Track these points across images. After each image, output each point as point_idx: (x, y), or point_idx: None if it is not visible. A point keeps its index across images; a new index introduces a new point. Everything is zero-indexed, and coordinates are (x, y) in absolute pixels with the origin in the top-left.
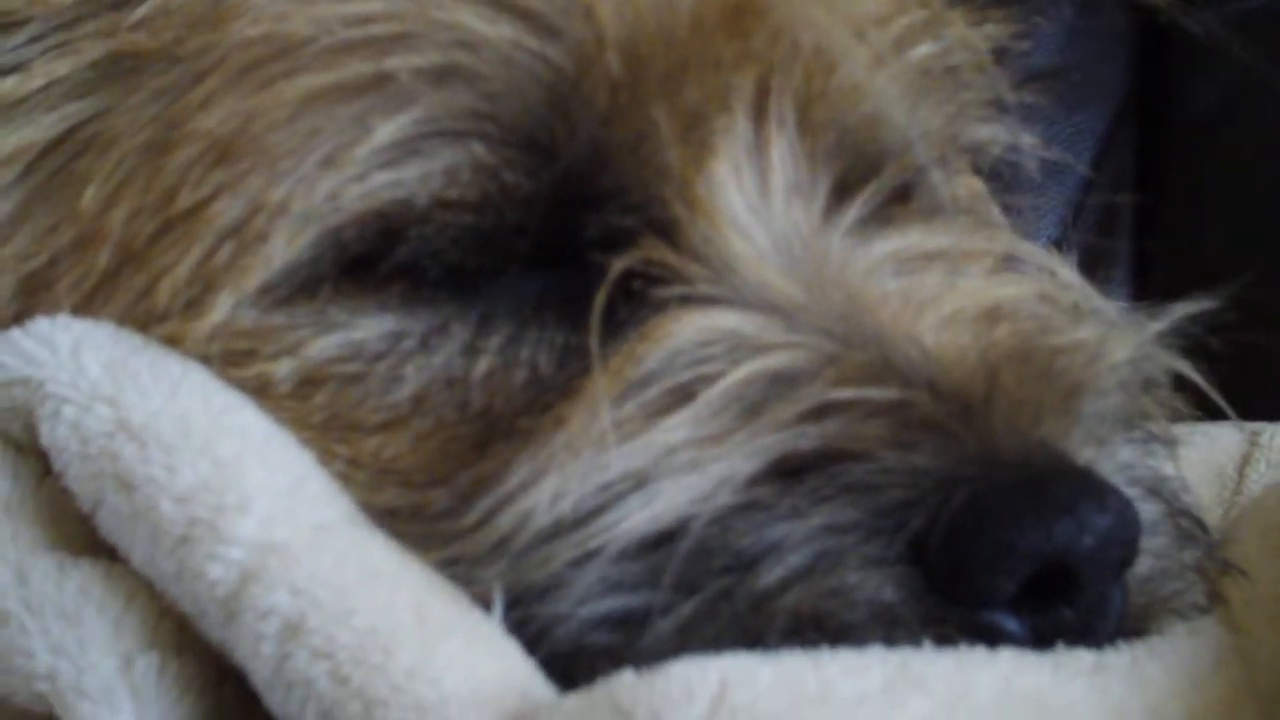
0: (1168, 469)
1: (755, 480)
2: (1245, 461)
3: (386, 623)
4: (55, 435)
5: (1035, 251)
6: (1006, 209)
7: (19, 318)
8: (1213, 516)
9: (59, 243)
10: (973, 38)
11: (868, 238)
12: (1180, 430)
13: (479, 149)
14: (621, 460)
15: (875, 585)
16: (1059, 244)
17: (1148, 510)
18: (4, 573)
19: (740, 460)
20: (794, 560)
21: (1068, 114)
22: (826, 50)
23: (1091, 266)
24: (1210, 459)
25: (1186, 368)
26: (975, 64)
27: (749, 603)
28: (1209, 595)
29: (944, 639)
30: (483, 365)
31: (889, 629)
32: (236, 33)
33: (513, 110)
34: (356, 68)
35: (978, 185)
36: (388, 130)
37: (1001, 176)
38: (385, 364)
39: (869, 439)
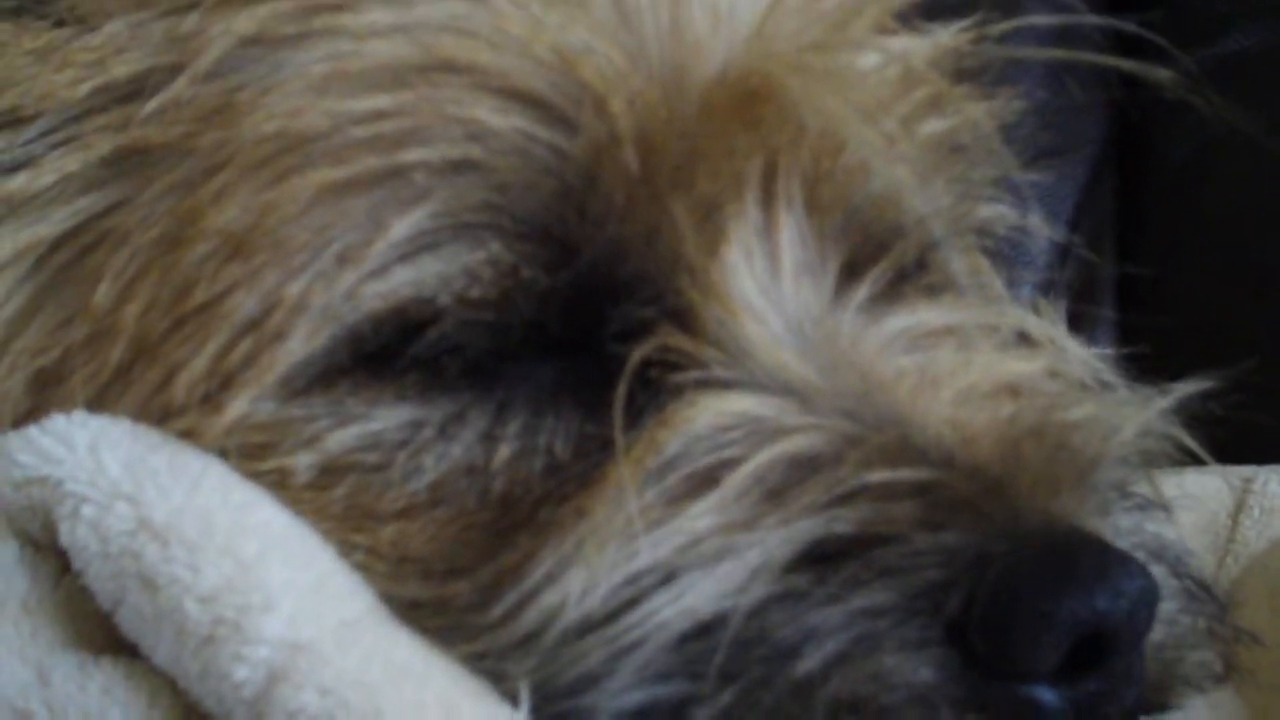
0: (1169, 533)
1: (790, 568)
2: (1239, 509)
3: None
4: (75, 535)
5: (1043, 325)
6: (1010, 285)
7: (32, 414)
8: (1206, 565)
9: (72, 338)
10: (978, 115)
11: (879, 315)
12: (1170, 477)
13: (496, 247)
14: (649, 551)
15: (913, 668)
16: (1045, 290)
17: (1156, 573)
18: (25, 673)
19: (774, 548)
20: (832, 646)
21: (1051, 163)
22: (833, 132)
23: (1077, 306)
24: (1203, 506)
25: (1191, 441)
26: (982, 142)
27: (789, 691)
28: (1224, 663)
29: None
30: (503, 452)
31: (929, 712)
32: (250, 128)
33: (527, 203)
34: (369, 162)
35: (982, 262)
36: (403, 226)
37: (1003, 254)
38: (404, 453)
39: (900, 521)
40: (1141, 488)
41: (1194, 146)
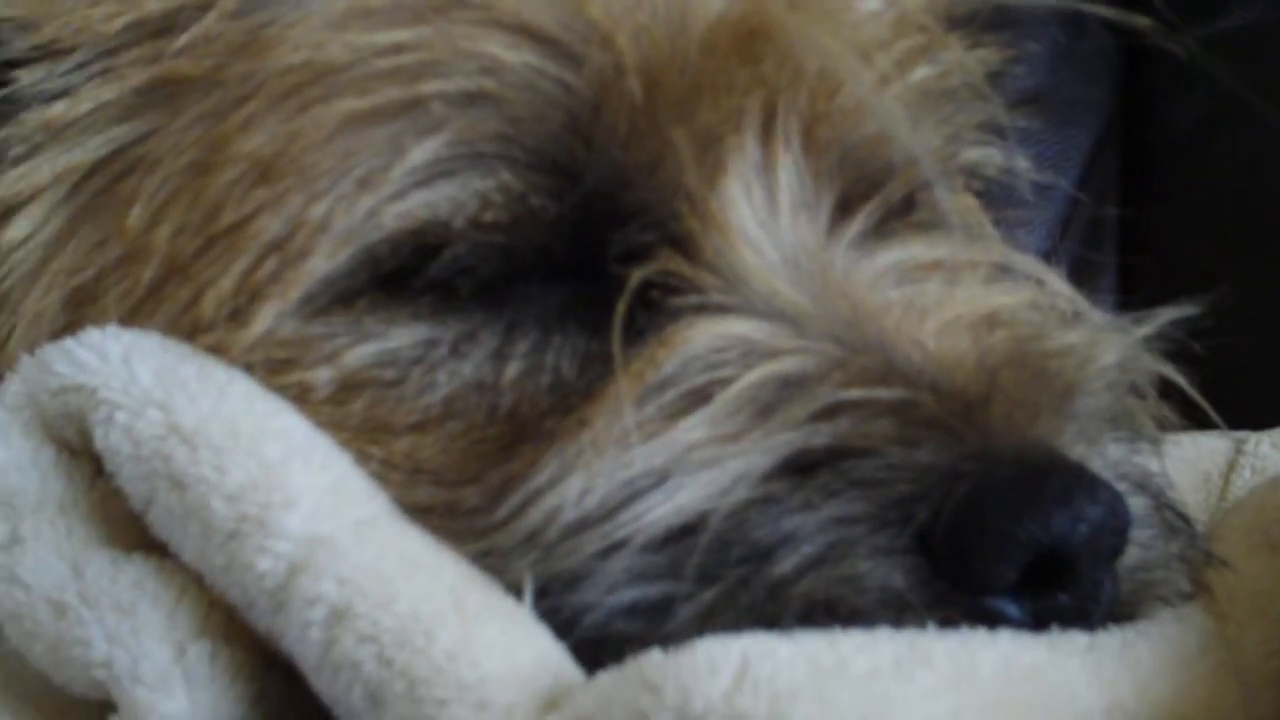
0: (1154, 465)
1: (770, 476)
2: (1230, 468)
3: (427, 609)
4: (109, 439)
5: (1027, 261)
6: (998, 224)
7: (69, 328)
8: (1200, 524)
9: (106, 258)
10: (968, 62)
11: (870, 250)
12: (1168, 438)
13: (507, 175)
14: (643, 458)
15: (884, 572)
16: (1048, 256)
17: (1135, 504)
18: (61, 568)
19: (756, 457)
20: (808, 550)
21: (1055, 133)
22: (831, 72)
23: (1079, 277)
24: (1196, 466)
25: (1171, 371)
26: (971, 87)
27: (765, 590)
28: (1194, 584)
29: (948, 623)
30: (511, 370)
31: (897, 613)
32: (276, 60)
33: (536, 134)
34: (389, 93)
35: (971, 201)
36: (421, 152)
37: (994, 195)
38: (419, 370)
39: (876, 437)
40: (1131, 419)
41: (1200, 113)
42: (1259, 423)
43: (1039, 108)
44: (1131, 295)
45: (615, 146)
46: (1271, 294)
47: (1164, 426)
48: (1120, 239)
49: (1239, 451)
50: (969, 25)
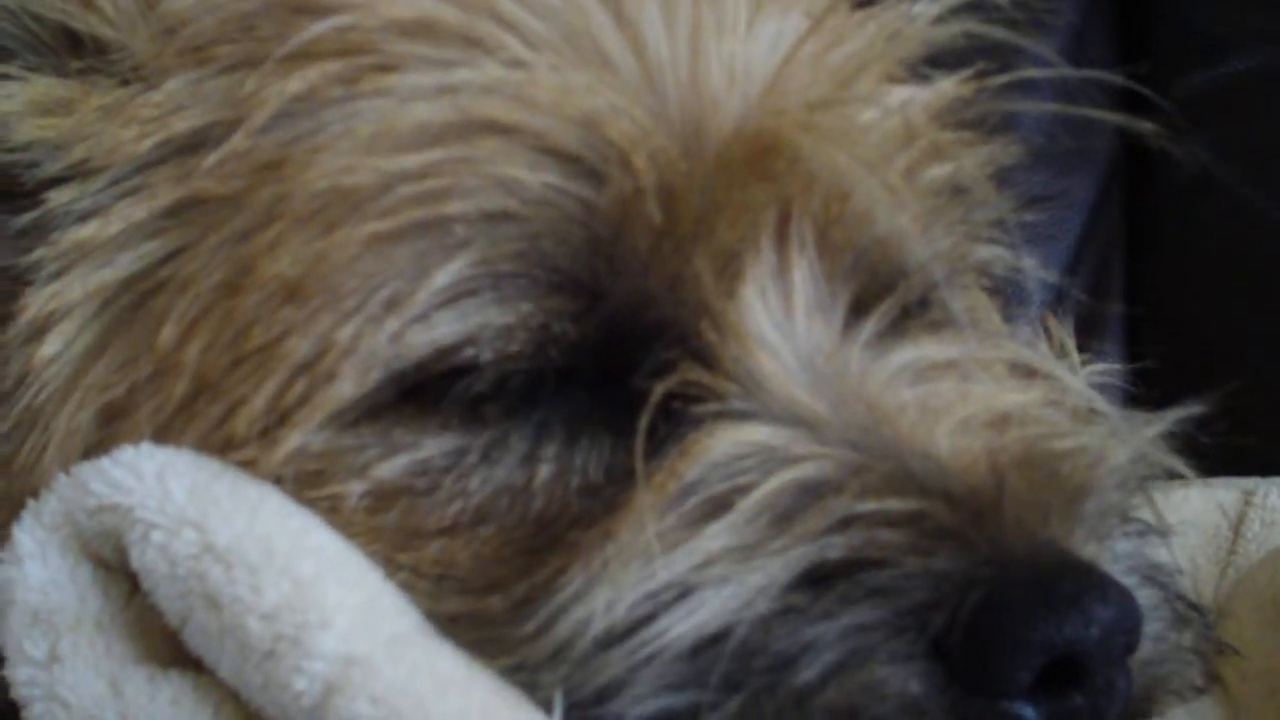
0: (1163, 556)
1: (790, 588)
2: (1240, 520)
3: None
4: (145, 558)
5: (1040, 358)
6: (1008, 319)
7: (101, 444)
8: (1210, 575)
9: (137, 374)
10: (976, 162)
11: (884, 350)
12: (1177, 488)
13: (528, 306)
14: (666, 570)
15: (902, 679)
16: (1054, 309)
17: (1145, 596)
18: (100, 685)
19: (776, 570)
20: (828, 658)
21: (1058, 183)
22: (842, 183)
23: (1084, 329)
24: (1206, 518)
25: (1182, 466)
26: (979, 187)
27: (789, 698)
28: (1206, 675)
29: None
30: (542, 473)
31: None
32: (303, 183)
33: (558, 252)
34: (413, 214)
35: (982, 298)
36: (444, 275)
37: (1002, 292)
38: (451, 477)
39: (891, 547)
40: (1142, 512)
41: (1204, 161)
42: (1262, 468)
43: (1042, 160)
44: (1137, 344)
45: (636, 268)
46: (1274, 340)
47: (1173, 476)
48: (1126, 288)
49: (1248, 503)
50: (976, 128)
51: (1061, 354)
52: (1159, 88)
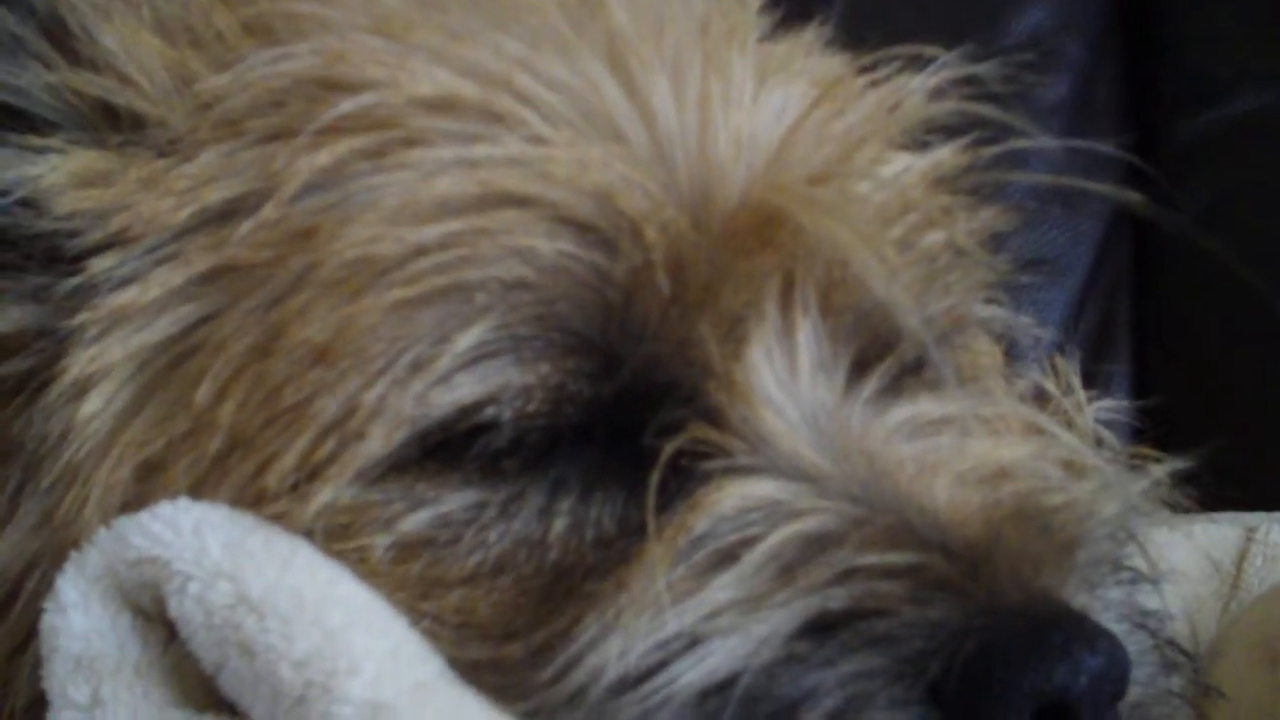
0: (1153, 603)
1: (793, 636)
2: (1242, 557)
3: None
4: (182, 608)
5: (1035, 415)
6: (1013, 363)
7: (139, 498)
8: (1212, 611)
9: (174, 431)
10: (972, 228)
11: (885, 407)
12: (1181, 523)
13: (546, 368)
14: (676, 620)
15: None
16: (1062, 346)
17: (1135, 642)
18: None
19: (780, 620)
20: (830, 703)
21: (1068, 219)
22: (840, 251)
23: (1094, 361)
24: (1208, 555)
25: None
26: (977, 249)
27: None
28: (1193, 717)
29: None
30: (557, 525)
31: None
32: (330, 253)
33: (573, 316)
34: (435, 282)
35: (985, 349)
36: (466, 338)
37: (1006, 339)
38: (471, 530)
39: (890, 598)
40: (1134, 561)
41: (1207, 202)
42: (1269, 503)
43: (1052, 196)
44: (1146, 382)
45: (647, 332)
46: None
47: (1178, 510)
48: (1133, 324)
49: (1250, 539)
50: (972, 195)
51: (1068, 392)
52: (1167, 127)
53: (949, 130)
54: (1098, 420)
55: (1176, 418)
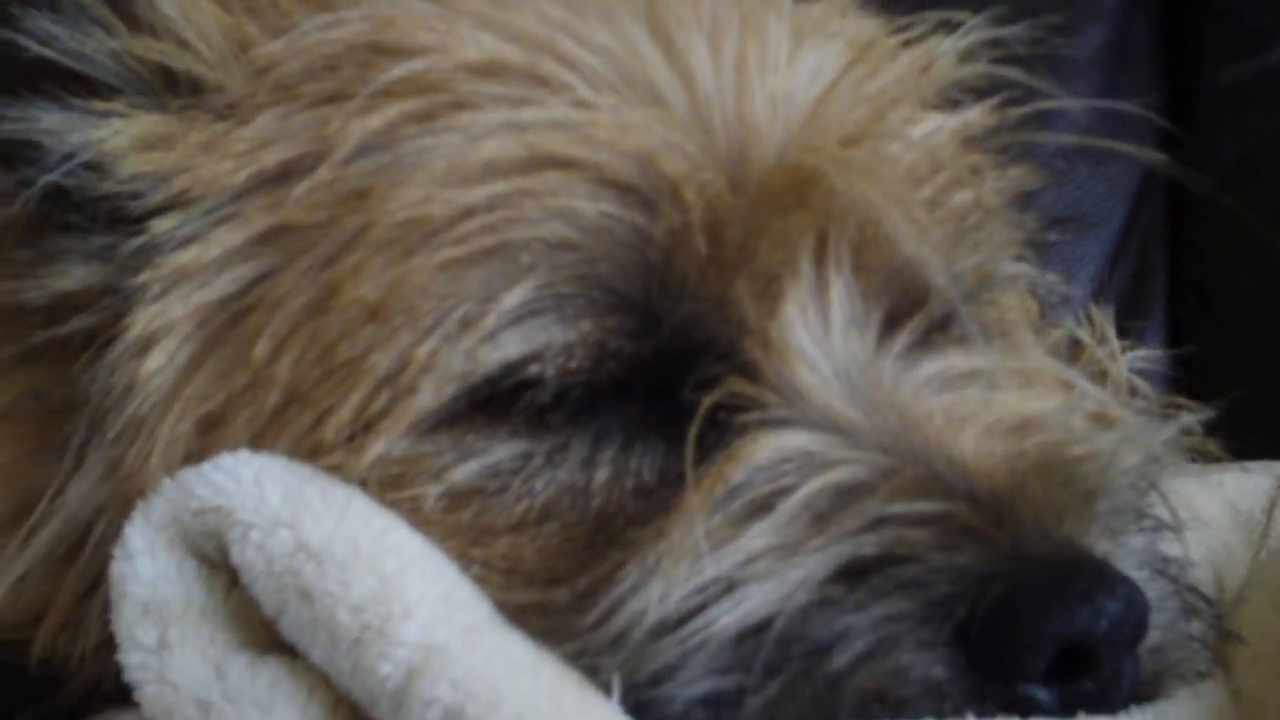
0: (1174, 551)
1: (826, 581)
2: (1272, 505)
3: (530, 710)
4: (244, 555)
5: (1061, 368)
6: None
7: (201, 451)
8: (1241, 559)
9: (234, 386)
10: (1001, 187)
11: (915, 362)
12: (1212, 472)
13: (588, 325)
14: (713, 566)
15: (927, 664)
16: (1096, 296)
17: (1156, 588)
18: (205, 669)
19: (814, 565)
20: (860, 645)
21: (1102, 171)
22: (871, 210)
23: (1127, 316)
24: (1238, 504)
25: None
26: (1005, 207)
27: (824, 681)
28: (1210, 661)
29: (985, 710)
30: (600, 475)
31: (938, 702)
32: (382, 214)
33: (614, 275)
34: (483, 242)
35: (1015, 303)
36: (512, 296)
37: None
38: (518, 479)
39: (918, 544)
40: (1157, 509)
41: (1242, 150)
42: None
43: (1085, 150)
44: (1181, 332)
45: (686, 290)
46: None
47: (1210, 459)
48: (1169, 275)
49: None
50: (1002, 154)
51: (1103, 342)
52: (1203, 76)
53: (979, 91)
54: (1132, 370)
55: (1210, 367)
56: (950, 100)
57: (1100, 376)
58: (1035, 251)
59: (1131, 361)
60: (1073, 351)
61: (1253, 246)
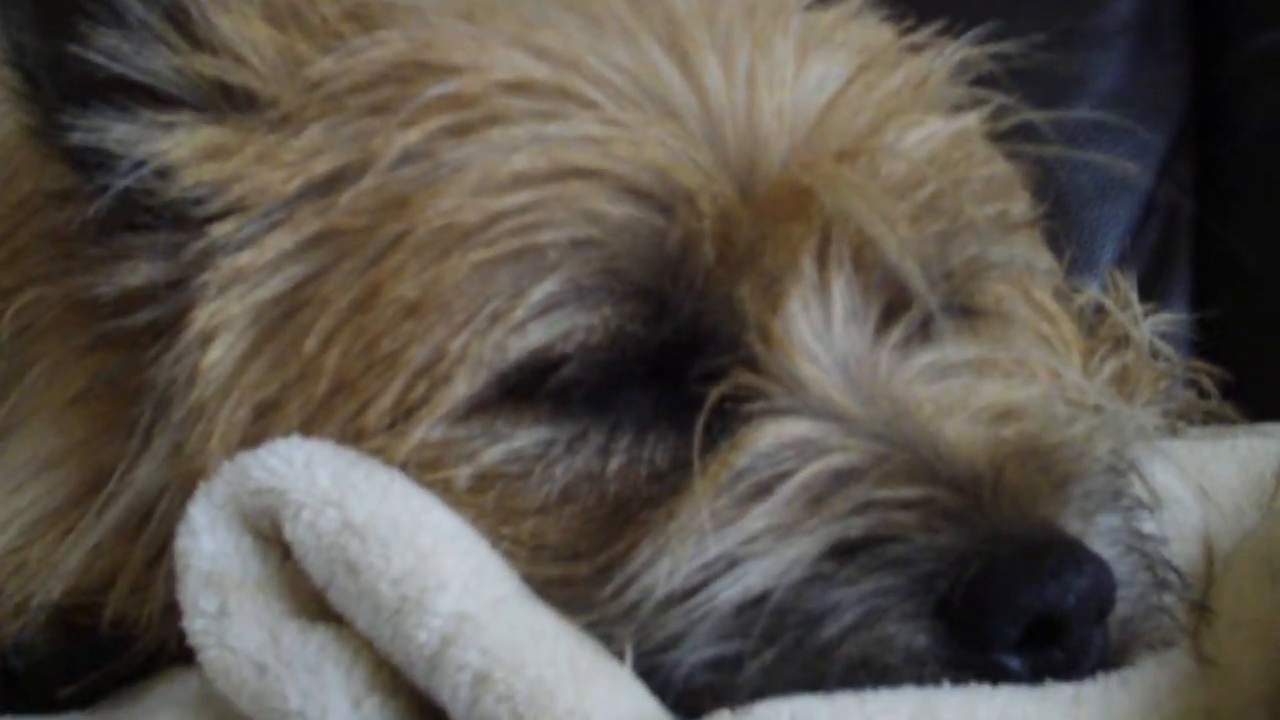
0: (1148, 528)
1: (819, 558)
2: None
3: (551, 673)
4: (296, 532)
5: (1044, 356)
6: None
7: (257, 435)
8: (1251, 522)
9: (286, 376)
10: (1001, 172)
11: (909, 353)
12: (1225, 435)
13: (607, 310)
14: (717, 545)
15: (910, 634)
16: (1122, 261)
17: (1127, 563)
18: (261, 635)
19: (808, 544)
20: (849, 617)
21: (1129, 136)
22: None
23: (1155, 278)
24: (1250, 467)
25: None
26: (1012, 185)
27: (816, 650)
28: (1177, 631)
29: (961, 677)
30: (615, 463)
31: (920, 669)
32: (420, 221)
33: (633, 271)
34: (512, 244)
35: (1001, 301)
36: (539, 291)
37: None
38: (541, 464)
39: (904, 526)
40: (1134, 490)
41: (1270, 117)
42: None
43: (1115, 112)
44: (1205, 297)
45: (695, 289)
46: None
47: (1223, 421)
48: (1194, 240)
49: None
50: (1011, 139)
51: (1126, 306)
52: (1233, 42)
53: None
54: (1156, 333)
55: (1234, 331)
56: (968, 94)
57: (1123, 340)
58: (1067, 216)
59: (1154, 325)
60: (1097, 316)
61: (1277, 208)
